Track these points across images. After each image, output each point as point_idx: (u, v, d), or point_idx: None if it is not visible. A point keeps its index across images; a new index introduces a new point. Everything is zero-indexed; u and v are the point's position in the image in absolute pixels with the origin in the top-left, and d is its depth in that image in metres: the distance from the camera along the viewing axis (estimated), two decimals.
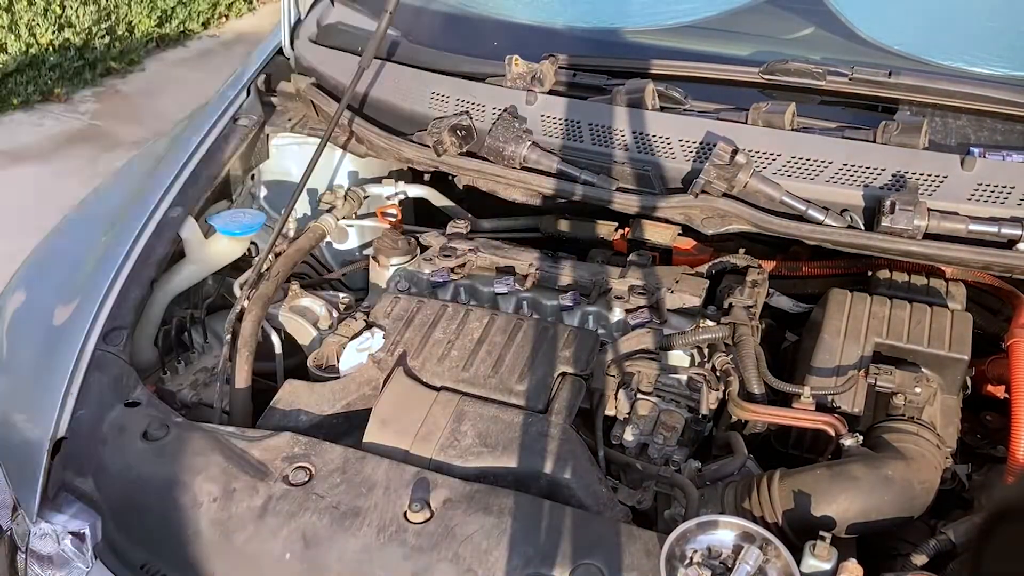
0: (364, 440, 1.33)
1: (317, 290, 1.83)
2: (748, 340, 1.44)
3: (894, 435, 1.29)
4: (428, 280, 1.67)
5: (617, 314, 1.56)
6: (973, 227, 1.41)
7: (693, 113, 1.66)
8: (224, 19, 6.74)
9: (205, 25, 6.52)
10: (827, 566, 1.08)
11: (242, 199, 1.95)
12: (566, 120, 1.67)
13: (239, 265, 1.83)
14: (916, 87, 1.61)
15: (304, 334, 1.68)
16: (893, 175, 1.47)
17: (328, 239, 1.92)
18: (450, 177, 1.86)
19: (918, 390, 1.33)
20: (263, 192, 2.02)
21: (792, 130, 1.57)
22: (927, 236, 1.42)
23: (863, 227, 1.47)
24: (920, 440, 1.27)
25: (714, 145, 1.52)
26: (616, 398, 1.43)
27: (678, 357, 1.50)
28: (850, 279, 1.64)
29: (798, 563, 1.07)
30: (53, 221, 1.87)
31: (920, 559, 1.17)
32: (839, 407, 1.35)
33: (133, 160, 2.02)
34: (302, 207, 1.91)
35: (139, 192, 1.74)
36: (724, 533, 1.10)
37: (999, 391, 1.50)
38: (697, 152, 1.58)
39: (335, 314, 1.70)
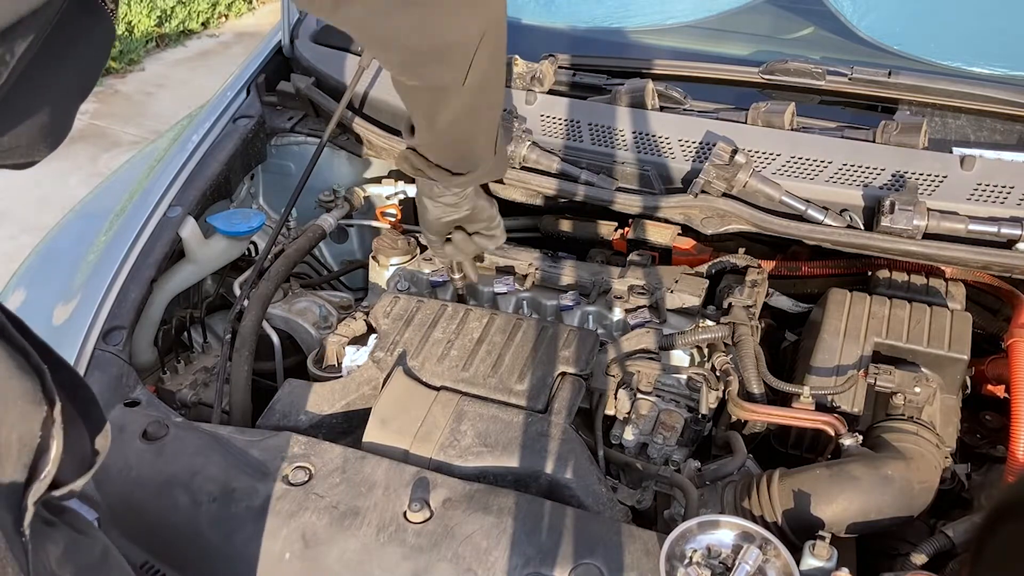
0: (364, 440, 1.33)
1: (317, 290, 1.83)
2: (748, 340, 1.44)
3: (894, 435, 1.29)
4: (428, 280, 1.67)
5: (617, 314, 1.56)
6: (972, 227, 1.41)
7: (693, 113, 1.66)
8: (223, 19, 6.74)
9: (205, 25, 6.52)
10: (827, 565, 1.08)
11: (242, 199, 1.95)
12: (566, 120, 1.67)
13: (239, 265, 1.83)
14: (915, 87, 1.62)
15: (304, 334, 1.68)
16: (893, 175, 1.47)
17: (328, 239, 1.92)
18: None
19: (918, 390, 1.33)
20: (263, 192, 2.02)
21: (792, 130, 1.57)
22: (926, 236, 1.42)
23: (862, 227, 1.48)
24: (920, 440, 1.27)
25: (714, 145, 1.52)
26: (616, 398, 1.43)
27: (678, 357, 1.50)
28: (850, 279, 1.64)
29: (798, 563, 1.07)
30: (53, 221, 1.87)
31: (920, 558, 1.17)
32: (839, 407, 1.35)
33: (133, 160, 2.02)
34: (302, 207, 1.91)
35: (139, 192, 1.74)
36: (724, 533, 1.10)
37: (999, 391, 1.50)
38: (697, 152, 1.58)
39: (335, 314, 1.70)
